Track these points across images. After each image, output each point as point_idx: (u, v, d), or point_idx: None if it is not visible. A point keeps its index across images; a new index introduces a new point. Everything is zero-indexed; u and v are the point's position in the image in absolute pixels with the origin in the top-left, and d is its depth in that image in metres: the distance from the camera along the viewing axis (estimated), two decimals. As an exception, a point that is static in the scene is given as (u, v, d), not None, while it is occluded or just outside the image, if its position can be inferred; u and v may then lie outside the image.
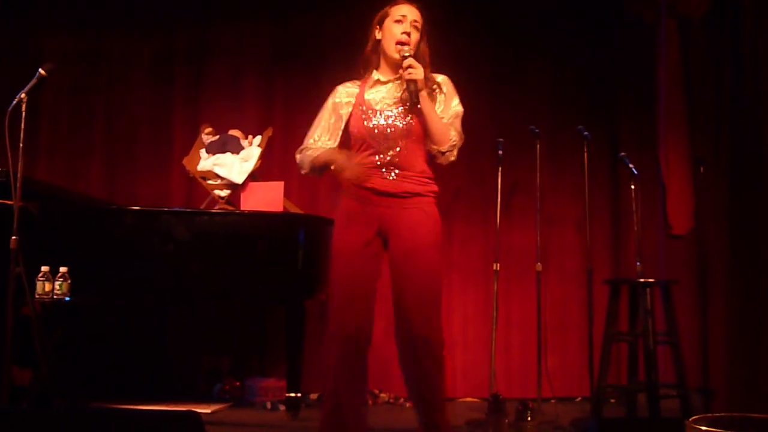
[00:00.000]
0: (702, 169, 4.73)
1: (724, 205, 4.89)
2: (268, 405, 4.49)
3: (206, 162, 4.65)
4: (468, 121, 5.07)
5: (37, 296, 3.59)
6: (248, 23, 5.32)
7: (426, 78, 2.93)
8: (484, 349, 4.72)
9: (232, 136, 4.75)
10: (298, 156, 3.07)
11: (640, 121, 5.10)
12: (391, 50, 2.96)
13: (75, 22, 5.38)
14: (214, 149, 4.70)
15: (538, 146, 4.46)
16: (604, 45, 5.18)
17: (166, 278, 3.96)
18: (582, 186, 4.36)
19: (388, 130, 2.92)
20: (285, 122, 5.16)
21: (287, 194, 4.61)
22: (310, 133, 3.06)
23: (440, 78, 3.05)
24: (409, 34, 2.94)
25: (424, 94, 2.90)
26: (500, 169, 4.46)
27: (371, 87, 3.01)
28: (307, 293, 4.16)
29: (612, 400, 4.58)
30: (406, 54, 2.88)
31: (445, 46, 5.06)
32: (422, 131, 2.93)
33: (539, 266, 4.39)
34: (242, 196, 4.52)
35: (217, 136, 4.78)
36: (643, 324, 3.85)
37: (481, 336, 4.96)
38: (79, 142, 5.32)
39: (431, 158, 3.01)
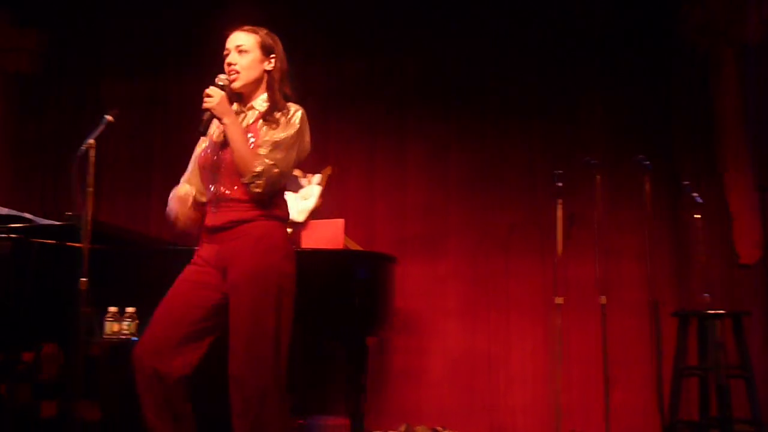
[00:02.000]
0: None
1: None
2: (331, 443, 4.47)
3: (267, 201, 4.69)
4: (523, 155, 5.15)
5: (105, 336, 3.64)
6: (303, 63, 5.39)
7: (274, 101, 2.84)
8: (545, 385, 4.65)
9: (292, 175, 4.79)
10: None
11: (700, 150, 5.02)
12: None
13: (134, 68, 5.54)
14: (273, 189, 4.74)
15: (597, 177, 4.41)
16: (660, 73, 5.13)
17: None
18: (641, 216, 4.29)
19: (213, 162, 2.83)
20: (341, 160, 5.21)
21: (347, 231, 4.63)
22: None
23: (293, 108, 2.89)
24: (231, 64, 2.82)
25: (226, 121, 2.74)
26: (559, 201, 4.41)
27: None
28: (368, 330, 4.14)
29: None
30: (220, 83, 2.79)
31: (501, 79, 5.20)
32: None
33: (603, 299, 4.30)
34: (303, 234, 4.55)
35: (277, 176, 4.82)
36: (713, 357, 3.75)
37: (540, 372, 4.89)
38: (138, 184, 5.44)
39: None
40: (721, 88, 4.99)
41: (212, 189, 2.82)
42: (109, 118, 3.37)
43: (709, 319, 3.79)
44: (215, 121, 2.84)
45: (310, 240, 4.44)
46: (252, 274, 2.70)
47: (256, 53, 2.85)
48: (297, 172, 4.84)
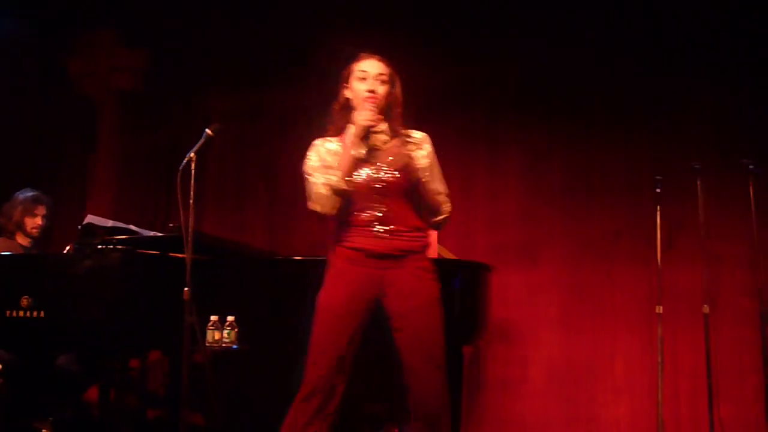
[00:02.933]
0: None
1: None
2: (428, 452, 4.46)
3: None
4: (623, 161, 5.03)
5: (207, 344, 3.76)
6: (401, 70, 5.43)
7: (395, 129, 2.88)
8: (650, 397, 4.52)
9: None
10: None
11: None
12: (359, 107, 2.86)
13: (239, 81, 5.72)
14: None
15: (698, 183, 4.26)
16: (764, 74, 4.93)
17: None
18: (747, 222, 4.11)
19: (376, 185, 2.82)
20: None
21: (442, 241, 4.63)
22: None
23: (419, 134, 2.95)
24: (373, 91, 2.84)
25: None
26: (659, 207, 4.30)
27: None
28: (465, 339, 4.13)
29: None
30: (364, 122, 2.81)
31: (600, 84, 5.10)
32: (409, 185, 2.83)
33: (706, 308, 4.16)
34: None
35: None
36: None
37: (642, 383, 4.77)
38: (241, 195, 5.61)
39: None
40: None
41: (370, 212, 2.83)
42: (209, 132, 3.49)
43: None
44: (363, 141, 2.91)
45: (405, 249, 4.46)
46: (427, 304, 2.86)
47: (389, 83, 2.91)
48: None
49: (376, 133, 2.85)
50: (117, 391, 4.21)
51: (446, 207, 2.95)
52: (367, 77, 2.86)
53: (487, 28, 5.36)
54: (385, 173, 2.83)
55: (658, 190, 4.30)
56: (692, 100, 4.98)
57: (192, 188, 3.29)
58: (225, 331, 3.82)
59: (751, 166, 4.10)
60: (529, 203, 5.21)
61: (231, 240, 4.75)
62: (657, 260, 4.23)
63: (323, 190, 2.80)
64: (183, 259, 3.40)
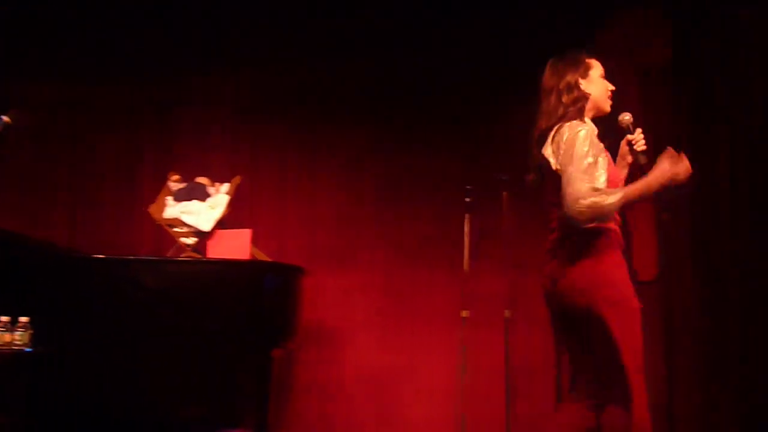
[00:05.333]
0: (664, 215, 4.78)
1: (688, 251, 4.94)
2: (235, 456, 4.41)
3: (173, 209, 4.62)
4: (436, 169, 5.19)
5: (-4, 346, 3.50)
6: (217, 73, 5.35)
7: None
8: (450, 399, 4.69)
9: (199, 183, 4.74)
10: (586, 204, 2.65)
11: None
12: (603, 103, 2.92)
13: (41, 70, 5.37)
14: (181, 197, 4.67)
15: (504, 194, 4.48)
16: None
17: (137, 327, 3.88)
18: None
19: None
20: (252, 171, 5.17)
21: (256, 242, 4.58)
22: (592, 175, 2.68)
23: None
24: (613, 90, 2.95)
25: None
26: (468, 216, 4.47)
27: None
28: (274, 343, 4.11)
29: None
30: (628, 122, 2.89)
31: (415, 93, 5.24)
32: None
33: (507, 313, 4.38)
34: (209, 243, 4.49)
35: (185, 184, 4.76)
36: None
37: (446, 385, 4.93)
38: (42, 190, 5.28)
39: None
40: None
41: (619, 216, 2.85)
42: (6, 119, 3.27)
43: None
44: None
45: (217, 250, 4.39)
46: None
47: None
48: (205, 181, 4.79)
49: None
50: None
51: None
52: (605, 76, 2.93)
53: (303, 31, 5.36)
54: None
55: (468, 199, 4.49)
56: (501, 112, 5.19)
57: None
58: (17, 333, 3.58)
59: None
60: (343, 207, 5.25)
61: (26, 236, 4.45)
62: (464, 266, 4.41)
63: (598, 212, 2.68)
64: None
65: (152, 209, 4.69)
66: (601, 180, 2.66)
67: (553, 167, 2.80)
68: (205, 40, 5.33)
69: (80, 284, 3.91)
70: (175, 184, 4.78)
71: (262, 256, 4.56)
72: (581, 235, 2.74)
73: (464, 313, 4.40)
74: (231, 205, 4.69)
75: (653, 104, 5.15)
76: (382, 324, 5.13)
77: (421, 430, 4.96)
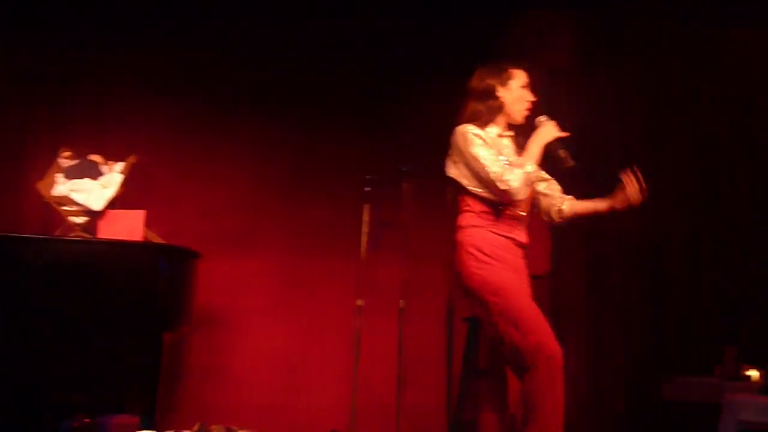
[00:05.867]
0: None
1: (578, 248, 5.13)
2: (120, 443, 4.30)
3: (63, 187, 4.46)
4: (337, 158, 5.19)
5: None
6: (119, 47, 5.18)
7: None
8: (343, 386, 4.72)
9: (91, 161, 4.58)
10: (515, 183, 2.99)
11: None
12: (517, 113, 3.13)
13: None
14: (72, 174, 4.51)
15: (404, 185, 4.53)
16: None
17: (13, 308, 3.74)
18: (445, 224, 4.44)
19: None
20: (149, 151, 5.04)
21: (150, 224, 4.48)
22: (492, 166, 3.01)
23: None
24: (533, 101, 3.15)
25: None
26: (367, 206, 4.50)
27: (496, 139, 3.12)
28: (167, 326, 4.04)
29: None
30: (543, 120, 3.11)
31: (320, 80, 5.23)
32: None
33: (402, 303, 4.43)
34: (100, 223, 4.35)
35: (76, 161, 4.59)
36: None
37: (340, 372, 4.96)
38: None
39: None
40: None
41: (518, 209, 3.11)
42: None
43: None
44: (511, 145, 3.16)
45: (108, 230, 4.26)
46: None
47: None
48: (98, 159, 4.64)
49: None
50: None
51: None
52: (528, 87, 3.14)
53: (208, 13, 5.26)
54: None
55: (367, 189, 4.51)
56: (404, 103, 5.24)
57: None
58: None
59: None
60: (243, 193, 5.18)
61: None
62: (361, 255, 4.43)
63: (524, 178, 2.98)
64: None
65: (41, 186, 4.51)
66: (501, 161, 3.01)
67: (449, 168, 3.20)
68: (105, 12, 5.16)
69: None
70: (66, 160, 4.60)
71: (156, 239, 4.45)
72: None
73: (359, 302, 4.43)
74: (125, 185, 4.56)
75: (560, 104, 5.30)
76: (278, 311, 5.11)
77: (315, 418, 4.97)
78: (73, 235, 4.31)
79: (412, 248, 4.85)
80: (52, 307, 3.77)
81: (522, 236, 3.13)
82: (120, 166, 4.62)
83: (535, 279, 5.07)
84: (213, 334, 5.03)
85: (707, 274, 5.20)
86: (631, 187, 3.09)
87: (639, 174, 3.11)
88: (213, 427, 4.71)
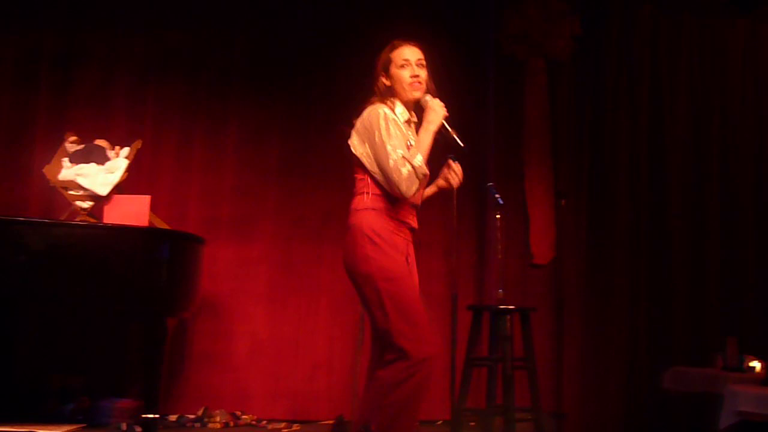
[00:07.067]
0: (563, 202, 4.95)
1: (582, 238, 5.14)
2: (124, 426, 4.34)
3: (69, 171, 4.47)
4: (340, 144, 5.16)
5: None
6: (122, 32, 5.18)
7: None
8: (348, 371, 4.73)
9: (97, 146, 4.59)
10: (405, 171, 2.89)
11: (508, 153, 5.27)
12: (403, 91, 3.02)
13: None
14: (78, 159, 4.52)
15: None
16: (478, 75, 5.34)
17: (16, 291, 3.74)
18: (449, 214, 4.44)
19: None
20: (154, 135, 5.05)
21: (154, 209, 4.49)
22: (394, 147, 2.91)
23: None
24: (417, 76, 3.01)
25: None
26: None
27: (403, 124, 3.03)
28: (170, 311, 4.05)
29: (471, 423, 4.66)
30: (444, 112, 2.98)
31: (326, 66, 5.21)
32: None
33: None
34: (105, 208, 4.36)
35: (82, 146, 4.60)
36: (501, 349, 3.96)
37: (343, 359, 4.99)
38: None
39: None
40: (532, 96, 5.27)
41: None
42: None
43: (500, 314, 3.99)
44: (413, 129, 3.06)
45: (114, 215, 4.27)
46: None
47: (426, 68, 3.06)
48: (104, 144, 4.65)
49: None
50: None
51: None
52: (409, 64, 3.01)
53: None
54: None
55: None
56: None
57: None
58: None
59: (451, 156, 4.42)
60: (245, 178, 5.19)
61: None
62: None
63: (416, 175, 2.90)
64: None
65: (47, 170, 4.53)
66: (399, 152, 2.90)
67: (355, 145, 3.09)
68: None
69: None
70: (72, 145, 4.61)
71: (161, 224, 4.47)
72: None
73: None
74: (130, 170, 4.57)
75: (558, 93, 5.31)
76: (281, 297, 5.13)
77: (317, 404, 5.00)
78: (79, 220, 4.32)
79: (418, 237, 4.85)
80: (56, 291, 3.77)
81: (414, 221, 3.08)
82: (126, 151, 4.63)
83: (536, 268, 5.15)
84: (214, 319, 5.04)
85: (710, 265, 5.23)
86: (453, 173, 3.12)
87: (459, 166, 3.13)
88: (217, 411, 4.76)
